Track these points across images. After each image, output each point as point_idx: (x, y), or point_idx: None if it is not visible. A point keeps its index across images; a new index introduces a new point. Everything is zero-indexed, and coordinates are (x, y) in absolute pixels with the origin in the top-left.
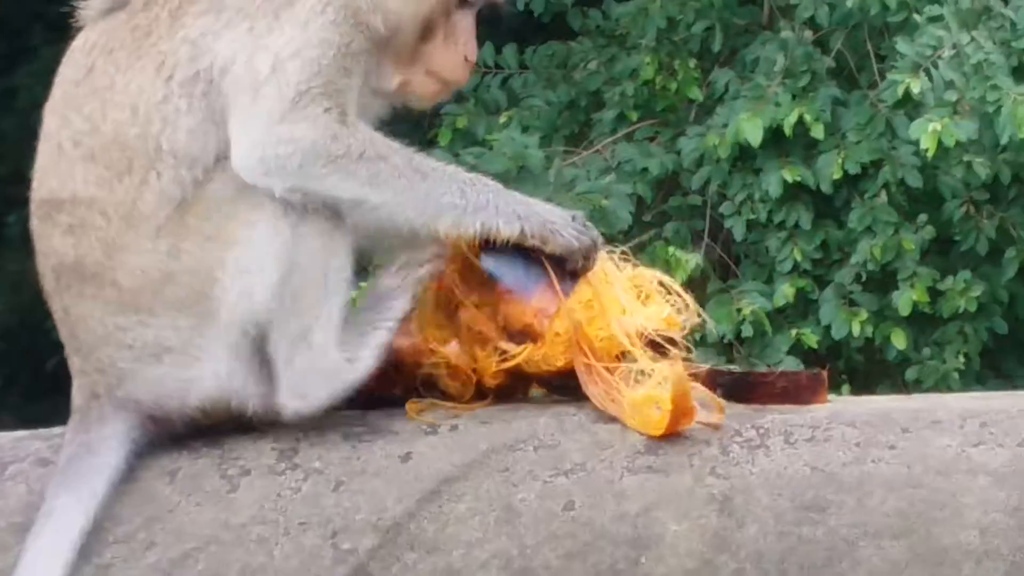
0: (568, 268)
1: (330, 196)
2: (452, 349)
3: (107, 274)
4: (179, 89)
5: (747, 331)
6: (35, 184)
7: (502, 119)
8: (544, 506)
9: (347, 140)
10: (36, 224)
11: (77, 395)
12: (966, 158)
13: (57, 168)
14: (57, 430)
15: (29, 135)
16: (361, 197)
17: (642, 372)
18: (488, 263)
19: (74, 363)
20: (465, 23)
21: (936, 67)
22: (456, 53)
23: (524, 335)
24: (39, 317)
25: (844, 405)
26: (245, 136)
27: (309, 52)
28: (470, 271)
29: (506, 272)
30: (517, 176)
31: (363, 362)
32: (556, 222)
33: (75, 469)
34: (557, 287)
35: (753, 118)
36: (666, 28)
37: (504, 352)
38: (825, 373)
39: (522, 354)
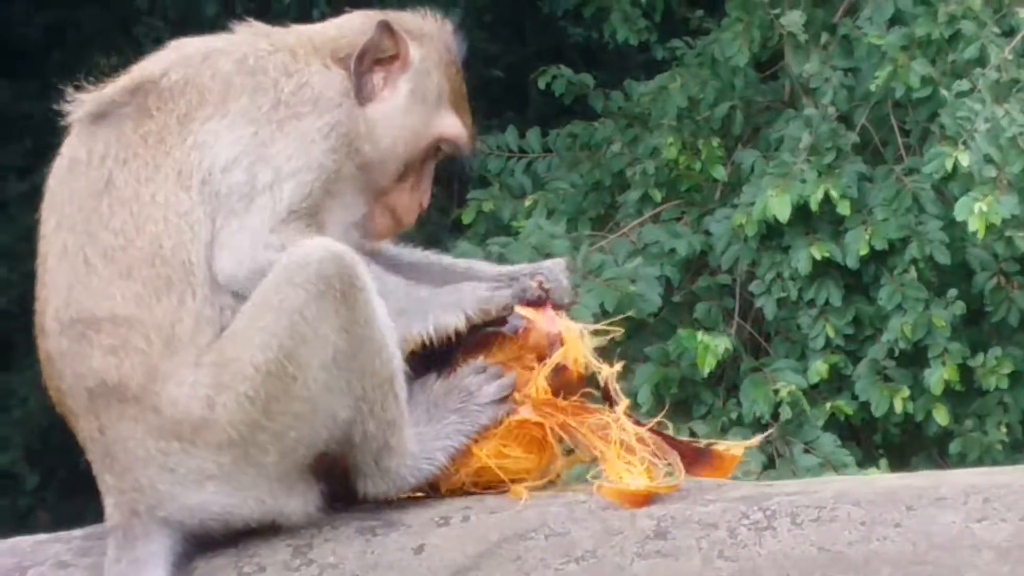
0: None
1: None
2: (525, 412)
3: (149, 398)
4: (197, 197)
5: (786, 413)
6: (57, 303)
7: (527, 202)
8: None
9: None
10: (66, 344)
11: (115, 512)
12: (1007, 233)
13: (88, 285)
14: (77, 532)
15: None
16: None
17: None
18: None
19: (106, 481)
20: (428, 171)
21: (974, 139)
22: (415, 198)
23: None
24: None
25: (849, 484)
26: (233, 243)
27: (306, 175)
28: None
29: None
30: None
31: (436, 463)
32: (485, 296)
33: None
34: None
35: (780, 195)
36: (687, 107)
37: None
38: (731, 455)
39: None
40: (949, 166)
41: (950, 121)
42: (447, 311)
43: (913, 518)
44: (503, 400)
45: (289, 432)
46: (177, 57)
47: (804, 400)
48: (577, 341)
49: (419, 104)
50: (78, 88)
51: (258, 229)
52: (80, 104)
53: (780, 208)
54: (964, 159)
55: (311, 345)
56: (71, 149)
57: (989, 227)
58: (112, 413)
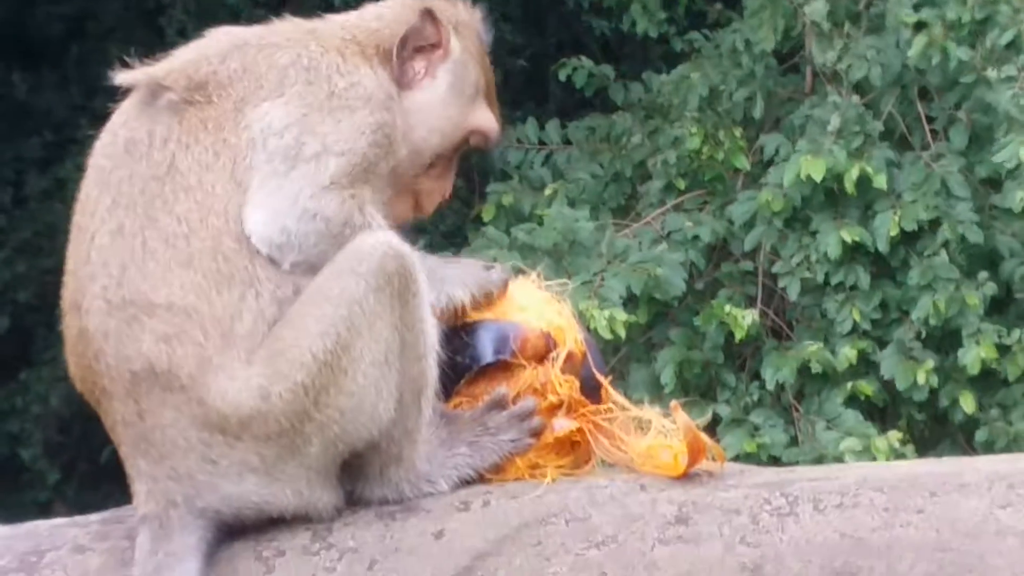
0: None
1: None
2: (563, 424)
3: (197, 390)
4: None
5: (816, 369)
6: (106, 281)
7: (548, 191)
8: None
9: (359, 229)
10: (113, 324)
11: (149, 500)
12: None
13: (144, 269)
14: (94, 516)
15: None
16: None
17: (640, 420)
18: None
19: (139, 465)
20: (454, 163)
21: None
22: (439, 188)
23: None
24: (93, 408)
25: (872, 470)
26: (270, 204)
27: (351, 158)
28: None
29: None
30: (569, 249)
31: (437, 488)
32: (484, 276)
33: None
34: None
35: (816, 160)
36: (708, 98)
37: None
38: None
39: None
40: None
41: (1015, 109)
42: (456, 286)
43: (936, 504)
44: (520, 440)
45: (333, 426)
46: (230, 45)
47: (833, 361)
48: (571, 321)
49: (457, 96)
50: (123, 66)
51: (298, 193)
52: (132, 82)
53: (815, 170)
54: None
55: (365, 339)
56: (128, 129)
57: None
58: (154, 399)
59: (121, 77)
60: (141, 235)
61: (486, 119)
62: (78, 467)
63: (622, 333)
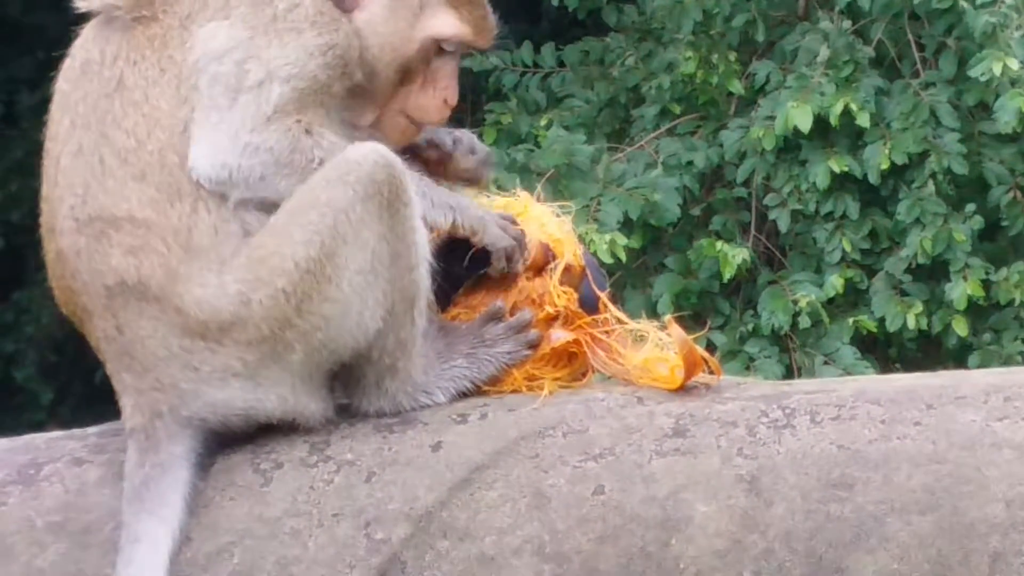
0: (494, 268)
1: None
2: (560, 336)
3: (171, 299)
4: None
5: (804, 322)
6: (72, 201)
7: (544, 121)
8: (574, 491)
9: (310, 151)
10: (84, 242)
11: (135, 413)
12: None
13: (104, 185)
14: (92, 429)
15: None
16: None
17: (639, 333)
18: None
19: (124, 380)
20: (446, 68)
21: (1010, 47)
22: (433, 97)
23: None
24: (79, 330)
25: (869, 383)
26: (211, 139)
27: (298, 83)
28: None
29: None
30: (567, 172)
31: (434, 399)
32: (484, 217)
33: (153, 492)
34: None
35: (802, 106)
36: (701, 22)
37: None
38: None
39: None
40: (998, 70)
41: (982, 21)
42: (440, 209)
43: (933, 417)
44: (516, 352)
45: (316, 332)
46: None
47: (823, 311)
48: (570, 235)
49: (402, 7)
50: None
51: (239, 128)
52: (87, 5)
53: (802, 119)
54: (1012, 63)
55: (351, 247)
56: (84, 51)
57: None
58: (131, 312)
59: (79, 1)
60: (98, 152)
61: (441, 24)
62: (72, 387)
63: (623, 256)
